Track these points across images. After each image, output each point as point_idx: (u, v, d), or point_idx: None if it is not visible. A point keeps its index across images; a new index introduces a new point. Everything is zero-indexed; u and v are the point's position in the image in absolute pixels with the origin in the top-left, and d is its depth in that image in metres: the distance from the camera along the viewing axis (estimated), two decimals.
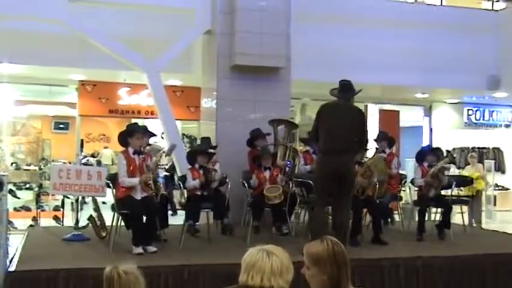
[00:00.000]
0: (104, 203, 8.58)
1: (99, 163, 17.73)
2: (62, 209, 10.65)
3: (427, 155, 8.83)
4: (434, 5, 14.30)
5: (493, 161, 17.17)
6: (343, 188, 7.20)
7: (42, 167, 15.13)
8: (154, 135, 8.41)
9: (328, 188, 7.16)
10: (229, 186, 8.32)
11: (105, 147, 19.90)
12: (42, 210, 12.34)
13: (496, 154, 18.53)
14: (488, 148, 18.50)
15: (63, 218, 10.64)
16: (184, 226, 7.72)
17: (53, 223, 11.37)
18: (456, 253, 7.47)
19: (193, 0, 10.69)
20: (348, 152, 7.23)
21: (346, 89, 7.46)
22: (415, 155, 9.18)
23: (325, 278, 3.21)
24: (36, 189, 13.65)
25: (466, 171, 14.08)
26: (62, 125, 19.66)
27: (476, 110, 17.74)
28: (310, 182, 8.37)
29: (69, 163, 14.60)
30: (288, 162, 9.08)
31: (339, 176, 7.11)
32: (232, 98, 10.05)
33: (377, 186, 8.36)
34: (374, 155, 9.10)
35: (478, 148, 18.28)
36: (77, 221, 8.13)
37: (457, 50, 13.24)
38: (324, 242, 3.29)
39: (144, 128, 8.00)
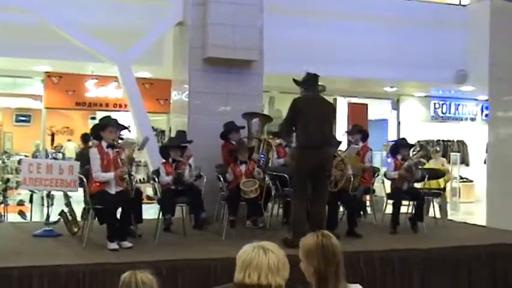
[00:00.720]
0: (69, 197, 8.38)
1: (63, 156, 17.44)
2: (30, 204, 10.40)
3: (401, 148, 8.85)
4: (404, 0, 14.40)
5: (458, 154, 17.43)
6: (321, 182, 7.21)
7: (5, 160, 14.84)
8: (126, 128, 8.25)
9: (307, 183, 7.14)
10: (204, 180, 8.23)
11: (69, 140, 19.59)
12: (7, 205, 12.06)
13: (460, 147, 18.81)
14: (453, 141, 18.77)
15: (31, 213, 10.40)
16: (159, 221, 7.60)
17: (18, 218, 11.11)
18: (430, 245, 7.51)
19: None
20: (327, 146, 7.26)
21: (315, 82, 7.41)
22: (390, 148, 9.23)
23: (313, 271, 3.23)
24: (0, 183, 13.36)
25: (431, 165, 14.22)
26: (24, 117, 19.32)
27: (443, 104, 18.01)
28: (285, 175, 8.37)
29: (35, 157, 14.32)
30: (262, 156, 9.04)
31: (319, 170, 7.12)
32: (204, 90, 9.93)
33: (351, 179, 8.37)
34: (348, 147, 9.12)
35: (443, 141, 18.56)
36: (48, 216, 7.94)
37: (426, 44, 13.39)
38: (315, 235, 3.32)
39: (116, 121, 7.84)
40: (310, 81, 7.39)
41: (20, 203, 12.35)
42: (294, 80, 7.58)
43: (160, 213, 7.60)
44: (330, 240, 3.28)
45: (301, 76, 7.58)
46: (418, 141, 17.24)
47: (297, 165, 7.35)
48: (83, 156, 10.12)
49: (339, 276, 3.25)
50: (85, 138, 11.18)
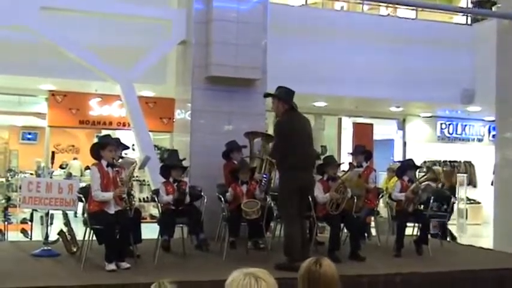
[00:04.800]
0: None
1: (69, 175, 17.40)
2: (30, 222, 10.31)
3: (408, 169, 8.70)
4: (409, 19, 14.33)
5: (465, 175, 17.23)
6: (305, 201, 7.31)
7: (9, 178, 14.76)
8: (127, 147, 8.18)
9: (296, 203, 7.08)
10: (205, 200, 8.11)
11: (75, 159, 19.56)
12: (9, 223, 11.99)
13: (468, 168, 18.62)
14: (460, 162, 18.59)
15: (31, 231, 10.31)
16: (159, 241, 7.48)
17: (20, 236, 11.04)
18: (435, 269, 7.37)
19: (168, 10, 10.56)
20: (313, 165, 7.52)
21: (292, 97, 7.27)
22: (396, 169, 9.13)
23: None
24: (3, 201, 13.29)
25: None
26: (30, 135, 19.34)
27: (449, 124, 17.86)
28: None
29: (38, 175, 14.24)
30: (264, 176, 8.91)
31: (306, 190, 7.24)
32: (207, 109, 9.86)
33: (355, 200, 8.24)
34: (348, 170, 8.97)
35: (450, 161, 18.36)
36: (47, 236, 7.83)
37: (432, 63, 13.29)
38: (307, 260, 3.24)
39: (117, 140, 7.79)
40: (289, 96, 7.24)
41: (23, 221, 12.28)
42: (267, 94, 7.68)
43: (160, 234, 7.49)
44: (317, 266, 3.16)
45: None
46: (425, 162, 17.09)
47: (287, 187, 7.14)
48: None
49: None
50: None
